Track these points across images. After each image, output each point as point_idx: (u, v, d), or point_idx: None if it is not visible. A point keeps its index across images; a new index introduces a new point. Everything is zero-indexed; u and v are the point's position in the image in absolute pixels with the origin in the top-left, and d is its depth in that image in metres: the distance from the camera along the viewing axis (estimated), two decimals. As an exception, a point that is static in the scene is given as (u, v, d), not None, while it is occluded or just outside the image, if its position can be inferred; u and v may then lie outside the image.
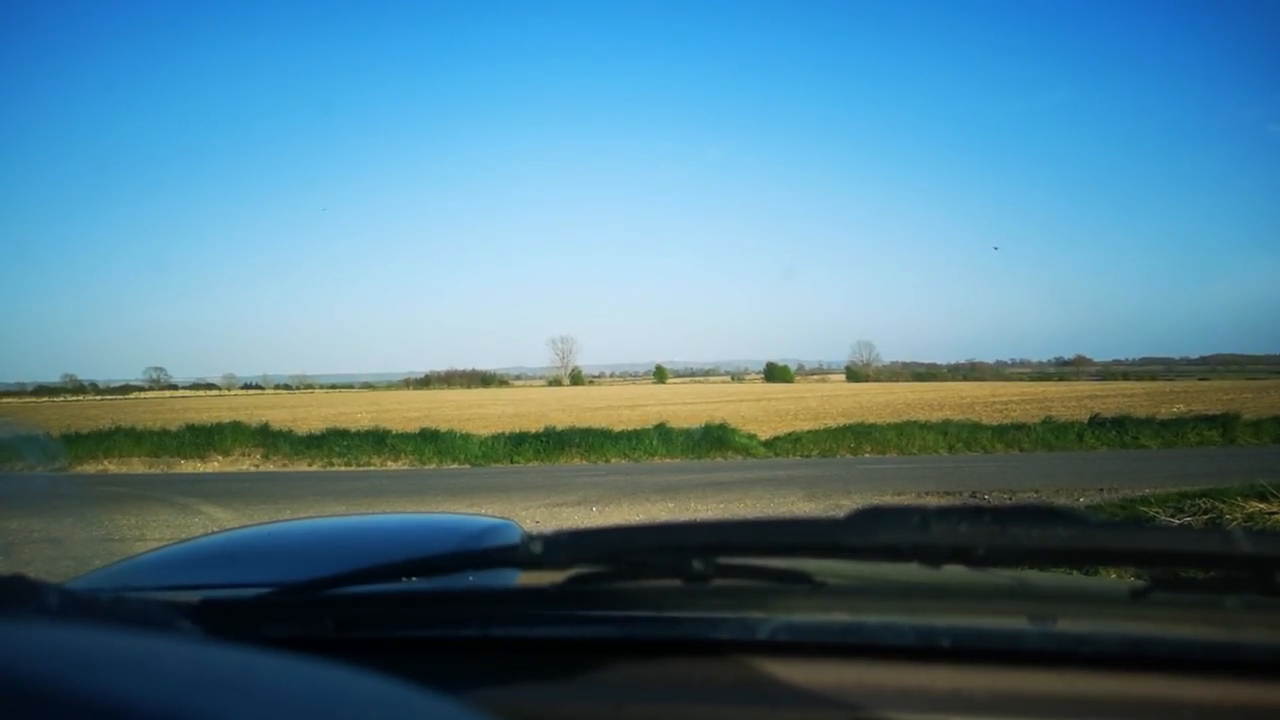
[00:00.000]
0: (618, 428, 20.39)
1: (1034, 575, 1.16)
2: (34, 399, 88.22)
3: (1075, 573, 1.64)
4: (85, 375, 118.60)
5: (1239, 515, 7.41)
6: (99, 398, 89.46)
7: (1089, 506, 9.58)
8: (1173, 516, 7.79)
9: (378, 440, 19.53)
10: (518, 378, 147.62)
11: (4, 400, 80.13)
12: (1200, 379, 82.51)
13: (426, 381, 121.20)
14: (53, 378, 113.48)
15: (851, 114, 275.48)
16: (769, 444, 19.12)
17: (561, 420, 23.29)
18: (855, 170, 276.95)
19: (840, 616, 0.84)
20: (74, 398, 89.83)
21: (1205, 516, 7.61)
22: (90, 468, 18.44)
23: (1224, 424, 19.40)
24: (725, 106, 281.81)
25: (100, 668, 0.46)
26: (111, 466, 18.59)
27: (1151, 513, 8.07)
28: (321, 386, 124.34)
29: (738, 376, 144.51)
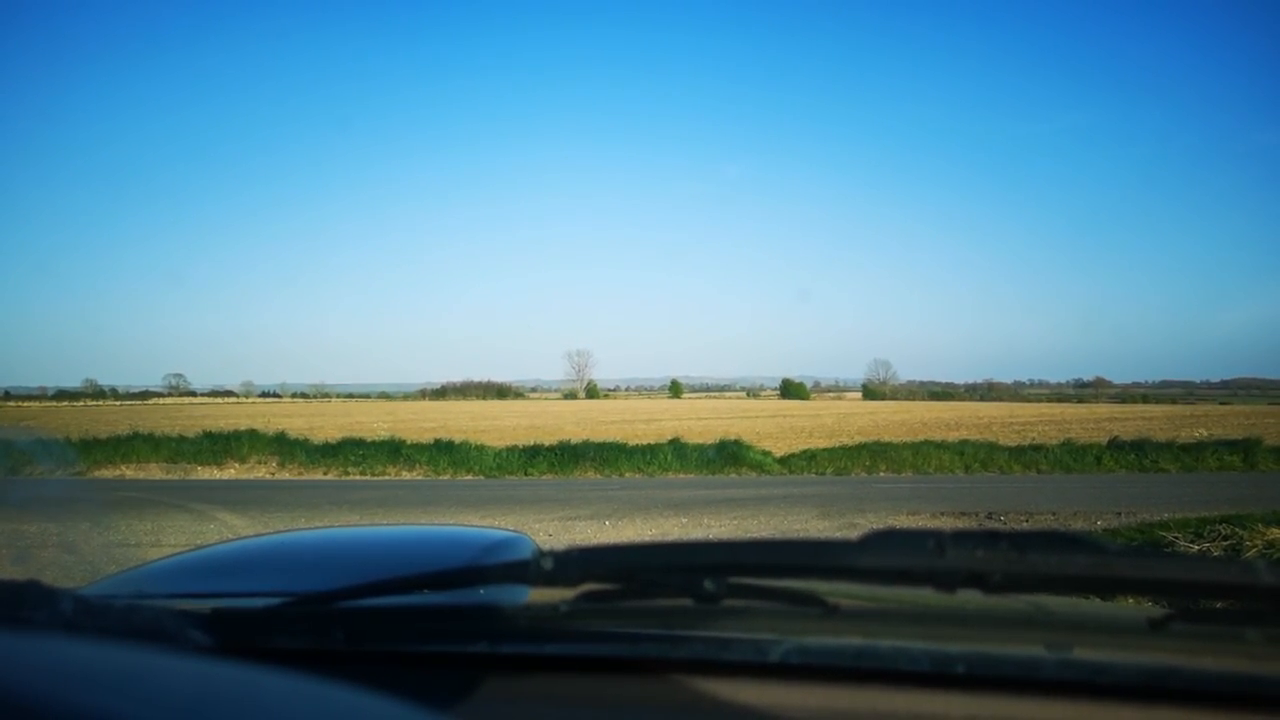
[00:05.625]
0: (632, 442, 20.37)
1: (1051, 602, 1.15)
2: (54, 403, 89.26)
3: (1094, 599, 1.62)
4: (106, 380, 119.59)
5: (1259, 542, 7.32)
6: (119, 403, 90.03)
7: (1107, 530, 9.49)
8: (1192, 542, 7.70)
9: (393, 450, 19.60)
10: (533, 390, 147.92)
11: (25, 404, 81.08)
12: (1221, 403, 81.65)
13: (443, 392, 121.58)
14: (74, 382, 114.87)
15: (869, 133, 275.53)
16: (784, 461, 19.06)
17: (576, 434, 23.30)
18: (873, 188, 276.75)
19: (853, 640, 0.84)
20: (94, 403, 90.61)
21: (1225, 543, 7.52)
22: (108, 473, 18.59)
23: (1245, 449, 19.19)
24: (743, 123, 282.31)
25: (102, 687, 0.47)
26: (129, 472, 18.73)
27: (1171, 538, 7.99)
28: (338, 396, 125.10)
29: (753, 393, 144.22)
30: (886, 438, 22.99)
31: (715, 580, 0.86)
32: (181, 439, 20.69)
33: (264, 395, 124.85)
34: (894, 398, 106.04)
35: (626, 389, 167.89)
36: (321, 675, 0.58)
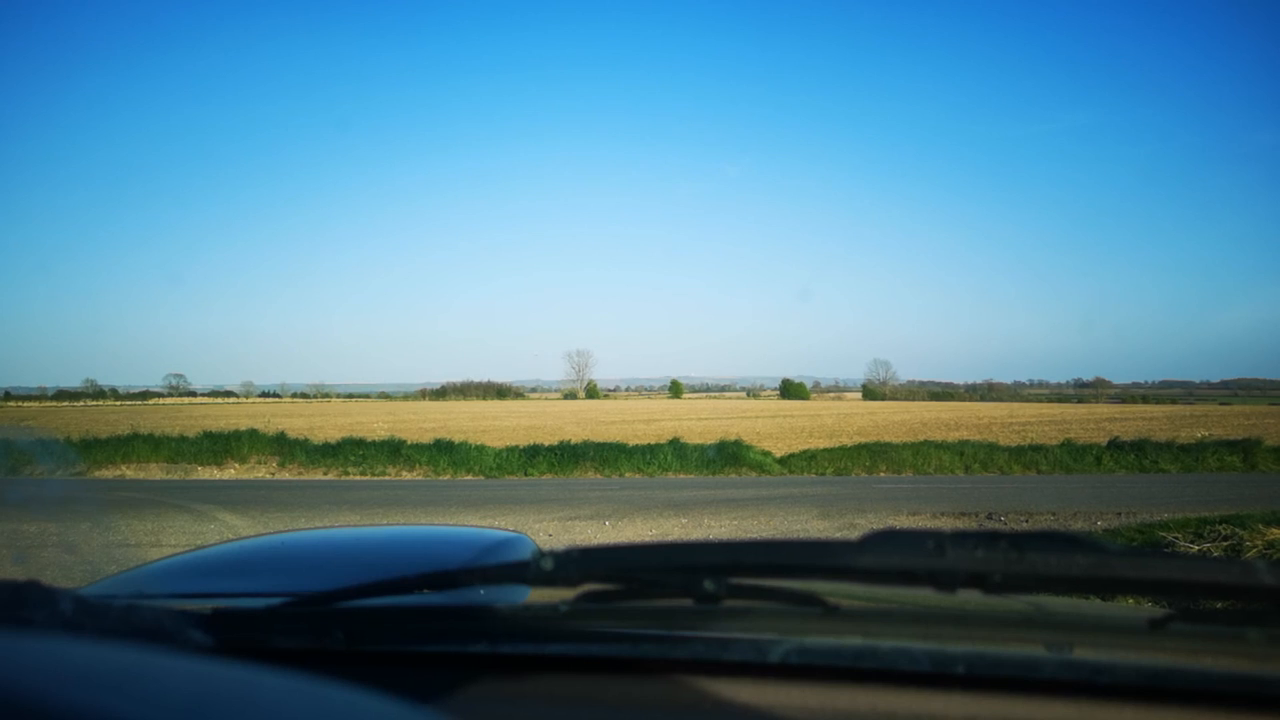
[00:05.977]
0: (632, 442, 20.37)
1: (1051, 602, 1.15)
2: (55, 403, 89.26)
3: (1094, 599, 1.62)
4: (106, 381, 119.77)
5: (1260, 542, 7.32)
6: (119, 403, 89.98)
7: (1106, 531, 9.49)
8: (1192, 542, 7.70)
9: (393, 450, 19.59)
10: (534, 390, 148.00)
11: (26, 404, 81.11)
12: (1221, 403, 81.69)
13: (443, 393, 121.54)
14: (74, 382, 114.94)
15: (870, 133, 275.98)
16: (784, 461, 19.05)
17: (576, 434, 23.31)
18: (873, 189, 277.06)
19: (853, 640, 0.84)
20: (94, 403, 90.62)
21: (1225, 543, 7.52)
22: (108, 473, 18.59)
23: (1245, 449, 19.20)
24: (744, 124, 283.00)
25: (102, 687, 0.47)
26: (129, 472, 18.73)
27: (1170, 538, 7.98)
28: (339, 396, 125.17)
29: (753, 393, 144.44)
30: (886, 438, 23.00)
31: (715, 580, 0.86)
32: (182, 439, 20.68)
33: (264, 395, 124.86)
34: (894, 398, 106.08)
35: (626, 389, 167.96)
36: (321, 675, 0.58)
